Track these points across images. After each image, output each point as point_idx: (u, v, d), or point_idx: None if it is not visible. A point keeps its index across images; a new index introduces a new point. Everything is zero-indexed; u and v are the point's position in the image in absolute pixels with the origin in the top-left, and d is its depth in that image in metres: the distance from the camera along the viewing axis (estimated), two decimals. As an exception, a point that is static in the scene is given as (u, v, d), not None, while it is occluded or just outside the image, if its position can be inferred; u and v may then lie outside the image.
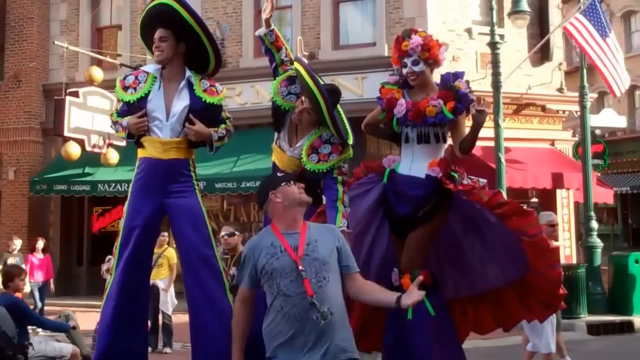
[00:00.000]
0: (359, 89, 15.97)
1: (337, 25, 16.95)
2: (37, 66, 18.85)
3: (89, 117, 16.64)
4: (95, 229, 18.68)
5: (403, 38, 5.36)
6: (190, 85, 5.25)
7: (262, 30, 5.52)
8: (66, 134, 16.33)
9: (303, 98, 5.29)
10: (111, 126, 5.46)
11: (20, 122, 18.73)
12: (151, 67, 5.37)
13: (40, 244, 14.39)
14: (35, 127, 18.81)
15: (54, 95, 17.63)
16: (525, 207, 5.30)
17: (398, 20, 16.14)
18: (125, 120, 5.21)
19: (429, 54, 5.29)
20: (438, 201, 5.21)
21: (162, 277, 11.70)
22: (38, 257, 14.35)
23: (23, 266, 13.43)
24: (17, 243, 14.20)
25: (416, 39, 5.30)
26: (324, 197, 5.39)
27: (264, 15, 5.48)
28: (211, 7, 17.72)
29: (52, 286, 14.53)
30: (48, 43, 18.87)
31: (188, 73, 5.27)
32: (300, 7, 17.05)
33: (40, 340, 8.28)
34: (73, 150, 16.18)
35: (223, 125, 5.35)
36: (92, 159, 16.99)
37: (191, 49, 5.32)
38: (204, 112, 5.22)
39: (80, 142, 16.42)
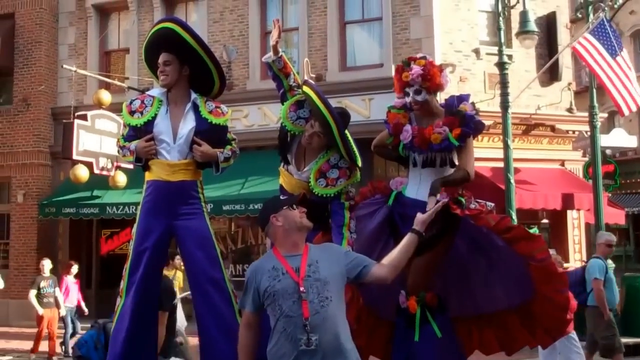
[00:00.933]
0: (366, 110, 15.93)
1: (344, 47, 16.93)
2: (46, 90, 18.90)
3: (97, 140, 16.65)
4: (104, 252, 18.62)
5: (403, 68, 5.34)
6: (195, 107, 5.30)
7: (269, 57, 5.48)
8: (75, 157, 16.33)
9: (313, 121, 5.28)
10: (118, 151, 5.46)
11: (29, 146, 18.76)
12: (156, 91, 5.42)
13: (75, 268, 14.14)
14: (44, 150, 18.83)
15: (62, 118, 17.66)
16: (532, 232, 5.24)
17: (405, 41, 16.13)
18: (133, 144, 5.25)
19: (430, 83, 5.26)
20: (444, 226, 5.17)
21: None
22: (72, 280, 14.11)
23: (57, 289, 13.40)
24: (46, 264, 13.73)
25: (416, 69, 5.26)
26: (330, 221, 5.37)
27: (272, 42, 5.45)
28: (218, 30, 17.77)
29: (84, 307, 14.37)
30: (56, 67, 18.93)
31: (193, 95, 5.32)
32: (307, 28, 17.06)
33: None
34: (81, 173, 16.17)
35: (229, 147, 5.42)
36: (100, 181, 16.98)
37: (195, 71, 5.36)
38: (210, 133, 5.27)
39: (89, 165, 16.42)
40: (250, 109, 16.50)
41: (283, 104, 5.50)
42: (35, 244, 18.37)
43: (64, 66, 17.45)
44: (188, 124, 5.26)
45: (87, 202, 17.41)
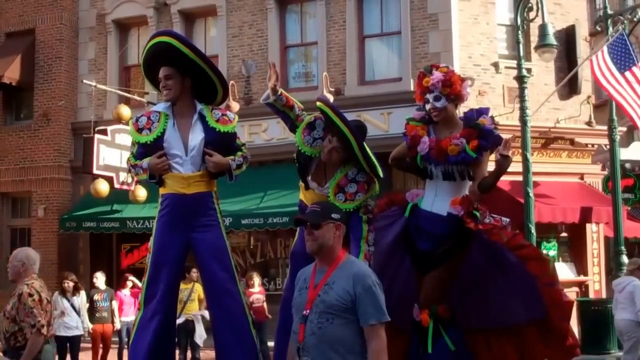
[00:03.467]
0: (385, 124, 15.93)
1: (363, 61, 16.95)
2: (66, 105, 19.05)
3: (117, 155, 16.74)
4: (124, 266, 18.65)
5: (424, 74, 5.37)
6: (202, 118, 5.32)
7: (270, 98, 5.47)
8: (95, 171, 16.43)
9: (330, 137, 5.30)
10: (130, 170, 5.47)
11: (50, 160, 18.89)
12: (161, 106, 5.45)
13: (130, 282, 13.75)
14: (64, 165, 18.95)
15: (82, 133, 17.76)
16: (543, 254, 5.33)
17: (424, 55, 16.12)
18: (145, 162, 5.25)
19: (451, 89, 5.27)
20: (458, 240, 5.18)
21: (194, 311, 11.99)
22: (127, 294, 13.60)
23: (113, 302, 13.00)
24: (100, 276, 13.29)
25: (437, 75, 5.28)
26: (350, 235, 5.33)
27: (270, 84, 5.45)
28: (237, 45, 17.84)
29: None
30: (77, 82, 19.07)
31: (199, 106, 5.35)
32: (325, 43, 17.10)
33: None
34: (102, 187, 16.26)
35: (239, 153, 5.46)
36: (120, 196, 17.04)
37: (197, 81, 5.39)
38: (220, 141, 5.31)
39: (109, 180, 16.51)
40: (270, 123, 16.50)
41: (295, 132, 5.54)
42: (56, 259, 18.44)
43: (84, 81, 17.58)
44: (197, 136, 5.28)
45: (108, 217, 17.49)
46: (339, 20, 17.01)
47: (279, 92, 5.47)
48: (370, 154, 5.33)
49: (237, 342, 5.13)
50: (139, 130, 5.33)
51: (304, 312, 3.96)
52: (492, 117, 5.45)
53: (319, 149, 5.41)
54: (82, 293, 12.31)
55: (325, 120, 5.37)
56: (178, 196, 5.24)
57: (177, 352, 11.57)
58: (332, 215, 4.07)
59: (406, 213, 5.33)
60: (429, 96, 5.29)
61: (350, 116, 15.71)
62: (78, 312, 11.88)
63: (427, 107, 5.33)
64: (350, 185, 5.35)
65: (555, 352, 5.18)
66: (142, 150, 5.34)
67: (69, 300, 11.77)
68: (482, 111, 5.41)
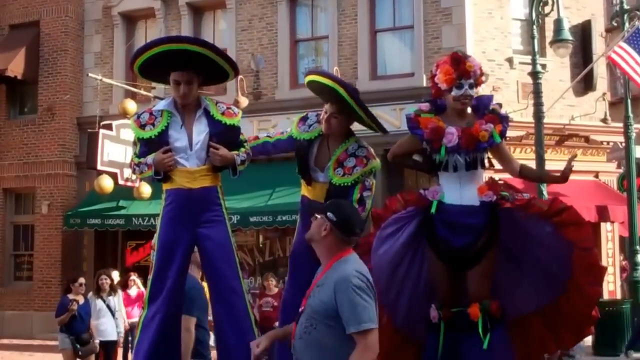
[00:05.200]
0: (397, 120, 15.67)
1: (375, 56, 16.76)
2: (71, 99, 18.82)
3: (123, 150, 16.52)
4: (129, 263, 18.43)
5: (464, 57, 5.14)
6: (207, 112, 5.28)
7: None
8: (99, 167, 16.25)
9: (325, 107, 5.39)
10: (134, 170, 5.33)
11: (54, 156, 18.67)
12: (162, 104, 5.41)
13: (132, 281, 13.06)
14: (69, 160, 18.73)
15: (87, 128, 17.58)
16: (581, 217, 5.16)
17: (437, 50, 15.91)
18: (149, 158, 5.15)
19: (479, 80, 5.21)
20: (495, 227, 5.08)
21: None
22: (132, 294, 12.77)
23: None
24: (114, 274, 12.58)
25: (476, 62, 5.17)
26: None
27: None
28: (246, 39, 17.66)
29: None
30: (82, 75, 18.85)
31: (204, 102, 5.31)
32: (337, 37, 16.90)
33: None
34: (106, 183, 16.04)
35: (243, 149, 5.41)
36: (125, 192, 16.85)
37: (207, 73, 5.37)
38: (225, 134, 5.29)
39: (114, 176, 16.30)
40: (279, 119, 16.26)
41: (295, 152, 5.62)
42: (60, 256, 18.27)
43: (90, 75, 17.39)
44: (202, 129, 5.25)
45: (113, 213, 17.30)
46: (351, 14, 16.83)
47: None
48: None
49: (241, 342, 5.01)
50: (142, 127, 5.25)
51: (300, 310, 3.89)
52: (499, 104, 5.42)
53: (317, 130, 5.51)
54: (119, 293, 11.72)
55: (318, 90, 5.47)
56: (184, 191, 5.19)
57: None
58: (328, 214, 3.85)
59: (433, 210, 5.09)
60: (465, 82, 5.11)
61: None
62: (113, 314, 11.18)
63: (458, 92, 5.12)
64: (349, 160, 5.39)
65: (569, 330, 5.17)
66: (145, 149, 5.24)
67: (104, 301, 11.12)
68: (491, 98, 5.41)
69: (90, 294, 11.22)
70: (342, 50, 16.81)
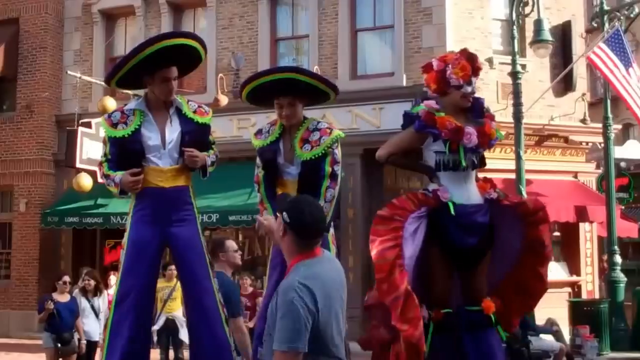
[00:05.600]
0: (377, 119, 15.71)
1: (355, 55, 16.75)
2: (50, 96, 18.66)
3: (102, 149, 16.34)
4: (107, 262, 18.28)
5: (475, 55, 5.26)
6: (179, 111, 5.28)
7: None
8: (78, 165, 16.14)
9: (276, 104, 5.49)
10: (101, 177, 5.32)
11: (33, 153, 18.50)
12: (133, 104, 5.35)
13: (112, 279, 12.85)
14: (47, 158, 18.56)
15: (66, 125, 17.43)
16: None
17: (417, 49, 15.95)
18: (118, 177, 5.13)
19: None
20: (491, 229, 5.18)
21: (177, 310, 11.39)
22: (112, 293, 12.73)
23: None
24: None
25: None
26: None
27: None
28: (226, 37, 17.59)
29: None
30: (61, 73, 18.70)
31: (176, 101, 5.29)
32: (317, 36, 16.88)
33: (535, 338, 10.79)
34: (85, 181, 15.92)
35: (212, 151, 5.45)
36: (104, 190, 16.49)
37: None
38: (197, 133, 5.31)
39: (92, 174, 16.15)
40: (258, 118, 16.17)
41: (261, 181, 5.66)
42: (38, 254, 18.11)
43: (69, 72, 17.27)
44: (175, 128, 5.25)
45: (91, 212, 17.16)
46: (331, 13, 16.79)
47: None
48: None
49: (213, 341, 5.11)
50: (114, 126, 5.22)
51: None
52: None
53: (276, 132, 5.59)
54: (105, 293, 11.48)
55: (261, 94, 5.60)
56: (157, 190, 5.17)
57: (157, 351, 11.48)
58: (283, 214, 3.55)
59: (452, 211, 5.03)
60: (474, 80, 5.21)
61: (341, 111, 15.28)
62: (97, 315, 11.00)
63: (469, 89, 5.17)
64: (312, 134, 5.48)
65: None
66: (114, 149, 5.22)
67: (89, 301, 10.96)
68: (483, 98, 5.46)
69: (76, 292, 11.11)
70: (323, 49, 16.77)
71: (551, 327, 12.07)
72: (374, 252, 4.82)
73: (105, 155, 5.31)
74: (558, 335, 12.00)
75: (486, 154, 5.44)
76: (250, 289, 12.46)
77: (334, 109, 14.99)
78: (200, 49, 5.29)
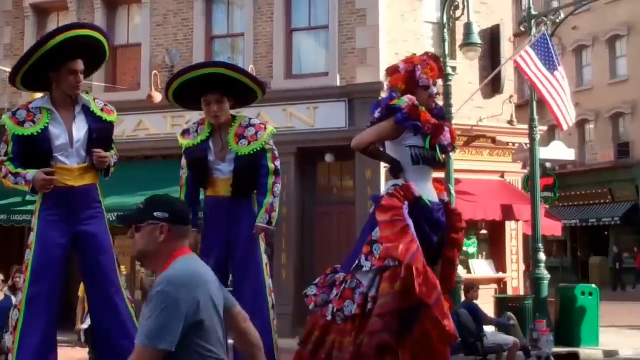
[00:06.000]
0: (311, 118, 15.82)
1: (290, 55, 16.80)
2: (-21, 91, 18.28)
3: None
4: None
5: (440, 58, 5.41)
6: (86, 109, 5.26)
7: None
8: (6, 160, 15.79)
9: (203, 102, 5.55)
10: (7, 176, 5.14)
11: (-39, 148, 18.05)
12: (38, 102, 5.27)
13: None
14: (-25, 153, 18.15)
15: (-4, 120, 17.07)
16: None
17: (351, 50, 16.11)
18: (30, 174, 5.02)
19: None
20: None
21: None
22: None
23: None
24: None
25: None
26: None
27: None
28: (161, 34, 17.49)
29: None
30: (-9, 67, 18.32)
31: (83, 99, 5.26)
32: (252, 35, 16.88)
33: (490, 332, 11.25)
34: (13, 178, 15.61)
35: (112, 152, 5.44)
36: (34, 187, 16.42)
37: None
38: (104, 131, 5.31)
39: (22, 170, 15.91)
40: (193, 115, 16.15)
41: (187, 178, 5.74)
42: (-37, 253, 17.67)
43: (-1, 67, 16.96)
44: (82, 126, 5.22)
45: (19, 209, 16.78)
46: (267, 12, 16.81)
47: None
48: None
49: (127, 342, 4.90)
50: (20, 124, 5.12)
51: None
52: None
53: (205, 131, 5.64)
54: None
55: (187, 93, 5.67)
56: (66, 188, 5.13)
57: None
58: (155, 214, 3.28)
59: (429, 205, 5.06)
60: (439, 82, 5.36)
61: (276, 110, 15.44)
62: None
63: (434, 90, 5.28)
64: (248, 130, 5.58)
65: None
66: (19, 148, 5.12)
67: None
68: None
69: (5, 289, 11.01)
70: (258, 48, 16.79)
71: (508, 321, 12.39)
72: (406, 259, 4.67)
73: (7, 154, 5.18)
74: (514, 330, 12.28)
75: None
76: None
77: (269, 107, 15.09)
78: (105, 43, 5.29)
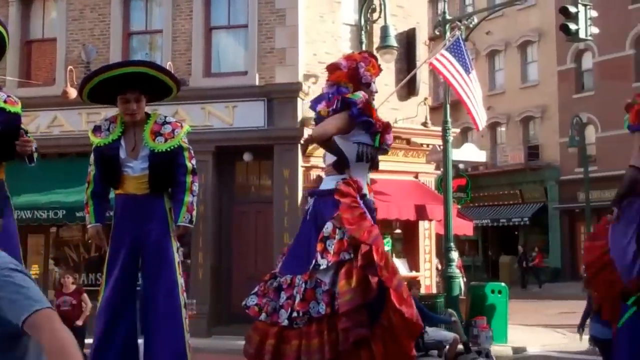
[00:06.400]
0: (230, 117, 15.80)
1: (209, 52, 16.76)
2: None
3: None
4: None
5: (376, 57, 5.43)
6: None
7: None
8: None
9: (119, 100, 5.50)
10: None
11: None
12: None
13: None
14: None
15: None
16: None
17: (270, 50, 16.16)
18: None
19: None
20: None
21: None
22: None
23: None
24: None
25: None
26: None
27: None
28: (77, 29, 17.18)
29: None
30: None
31: None
32: (171, 32, 16.75)
33: (432, 329, 11.37)
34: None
35: (31, 137, 5.42)
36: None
37: None
38: (10, 122, 5.22)
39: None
40: (108, 111, 15.87)
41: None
42: None
43: None
44: None
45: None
46: (186, 10, 16.72)
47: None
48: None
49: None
50: None
51: None
52: None
53: (117, 129, 5.59)
54: None
55: (102, 92, 5.59)
56: None
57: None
58: None
59: (373, 202, 5.15)
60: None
61: (194, 108, 15.46)
62: None
63: (374, 88, 5.29)
64: (164, 127, 5.59)
65: None
66: None
67: None
68: None
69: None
70: (177, 46, 16.68)
71: (450, 317, 12.70)
72: (369, 239, 4.67)
73: None
74: (456, 326, 12.56)
75: None
76: (73, 287, 11.89)
77: (187, 105, 15.05)
78: (5, 33, 5.28)
